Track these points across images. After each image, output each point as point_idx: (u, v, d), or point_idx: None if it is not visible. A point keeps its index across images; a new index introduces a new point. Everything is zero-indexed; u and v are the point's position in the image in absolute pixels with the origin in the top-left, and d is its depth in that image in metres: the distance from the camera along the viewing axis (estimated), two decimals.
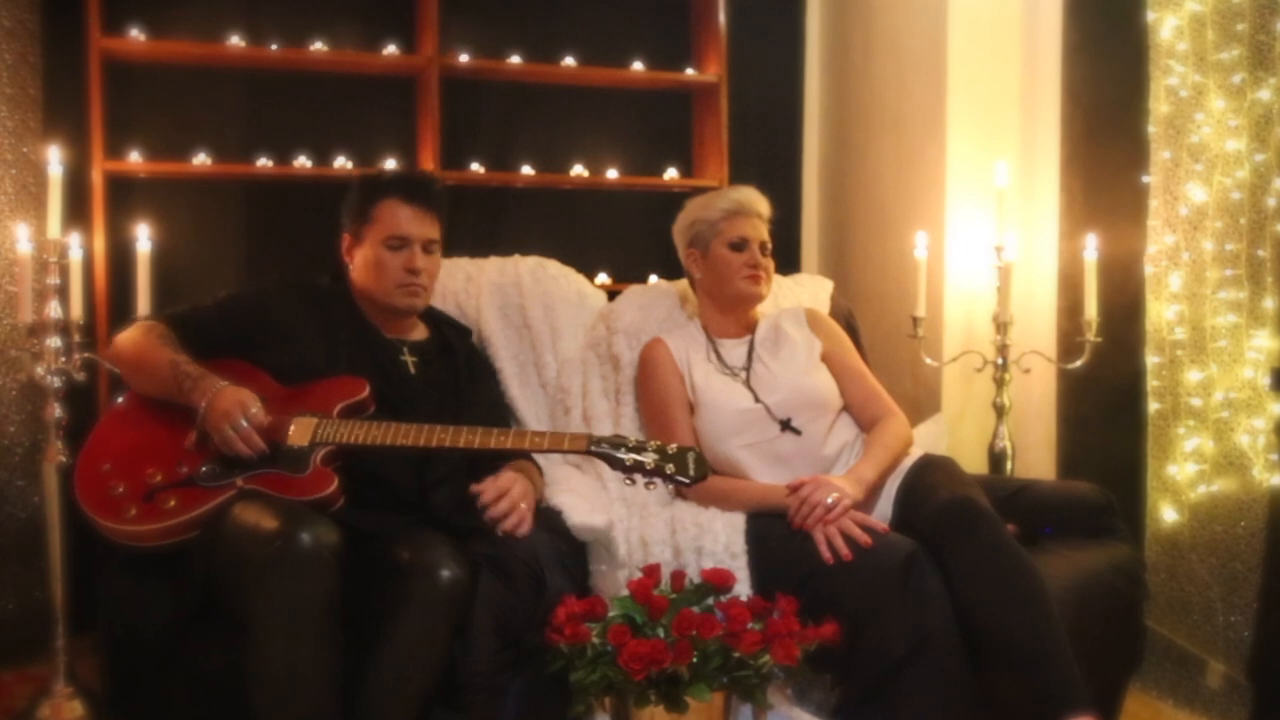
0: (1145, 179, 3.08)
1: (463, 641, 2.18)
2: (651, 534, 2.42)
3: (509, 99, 3.98)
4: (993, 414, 3.38)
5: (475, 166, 3.87)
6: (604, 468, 2.50)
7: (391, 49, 3.72)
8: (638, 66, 3.97)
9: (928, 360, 3.46)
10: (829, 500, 2.37)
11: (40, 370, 2.74)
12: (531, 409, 2.88)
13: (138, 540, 2.21)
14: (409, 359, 2.56)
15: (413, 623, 2.12)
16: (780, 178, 4.22)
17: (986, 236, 3.44)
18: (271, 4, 3.70)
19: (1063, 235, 3.52)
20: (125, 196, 3.51)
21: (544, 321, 2.96)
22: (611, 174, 3.99)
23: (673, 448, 2.27)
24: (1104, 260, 3.22)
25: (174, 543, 2.21)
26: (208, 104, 3.69)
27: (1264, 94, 2.79)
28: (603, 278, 3.85)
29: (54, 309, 2.73)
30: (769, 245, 2.80)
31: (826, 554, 2.31)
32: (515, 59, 3.86)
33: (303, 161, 3.66)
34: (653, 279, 3.70)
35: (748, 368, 2.74)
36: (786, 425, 2.62)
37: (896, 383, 3.57)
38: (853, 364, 2.78)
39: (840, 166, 4.24)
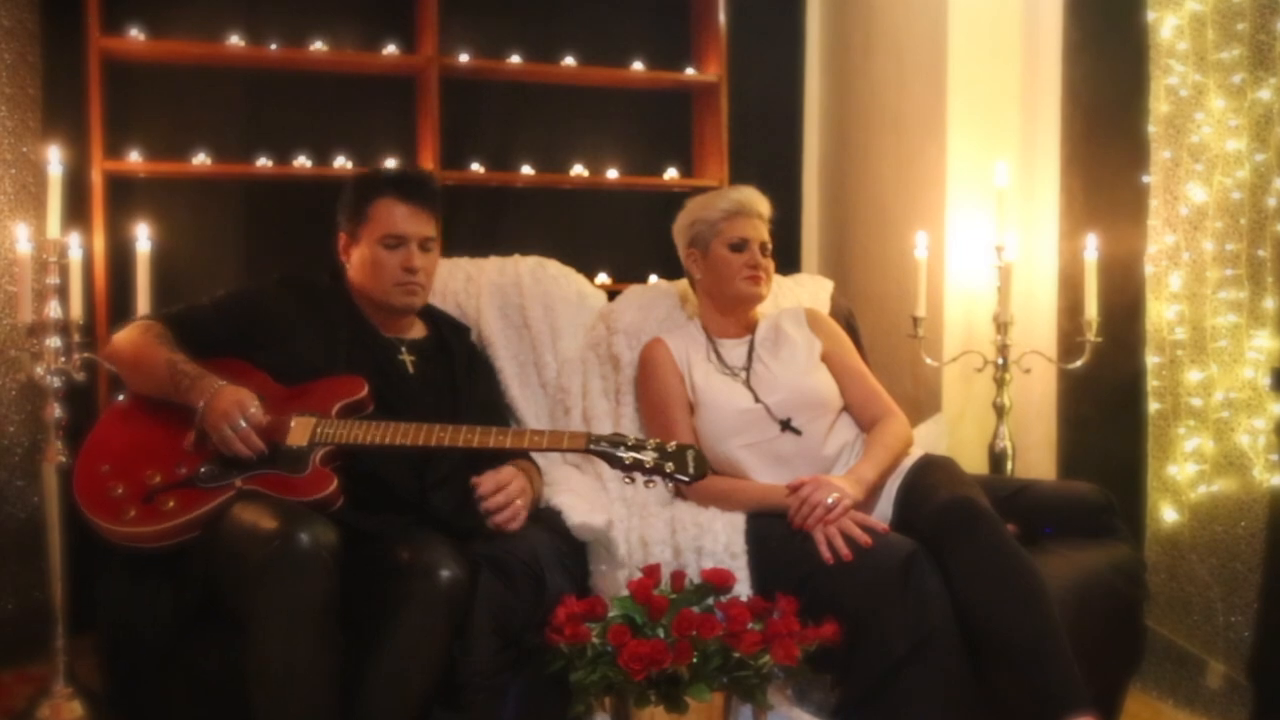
0: (1145, 179, 3.08)
1: (463, 641, 2.18)
2: (651, 534, 2.42)
3: (509, 99, 3.98)
4: (993, 414, 3.38)
5: (475, 166, 3.87)
6: (604, 468, 2.50)
7: (391, 49, 3.72)
8: (638, 66, 3.97)
9: (928, 360, 3.46)
10: (829, 500, 2.37)
11: (40, 370, 2.74)
12: (531, 409, 2.88)
13: (137, 542, 2.21)
14: (407, 358, 2.55)
15: (412, 623, 2.12)
16: (780, 178, 4.22)
17: (987, 236, 3.43)
18: (271, 4, 3.70)
19: (1063, 235, 3.52)
20: (125, 196, 3.51)
21: (544, 321, 2.96)
22: (611, 174, 3.99)
23: (672, 446, 2.27)
24: (1104, 260, 3.22)
25: (173, 544, 2.21)
26: (207, 104, 3.69)
27: (1264, 94, 2.78)
28: (603, 278, 3.85)
29: (54, 309, 2.73)
30: (769, 245, 2.80)
31: (826, 554, 2.31)
32: (515, 59, 3.86)
33: (302, 161, 3.66)
34: (653, 279, 3.69)
35: (748, 368, 2.74)
36: (786, 425, 2.62)
37: (896, 383, 3.57)
38: (853, 364, 2.77)
39: (840, 166, 4.24)
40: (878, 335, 3.71)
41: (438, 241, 2.58)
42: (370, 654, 2.11)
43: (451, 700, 2.18)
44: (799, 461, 2.60)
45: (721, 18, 3.97)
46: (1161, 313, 3.02)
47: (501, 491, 2.35)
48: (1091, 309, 3.22)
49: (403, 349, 2.56)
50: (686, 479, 2.24)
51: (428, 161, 3.68)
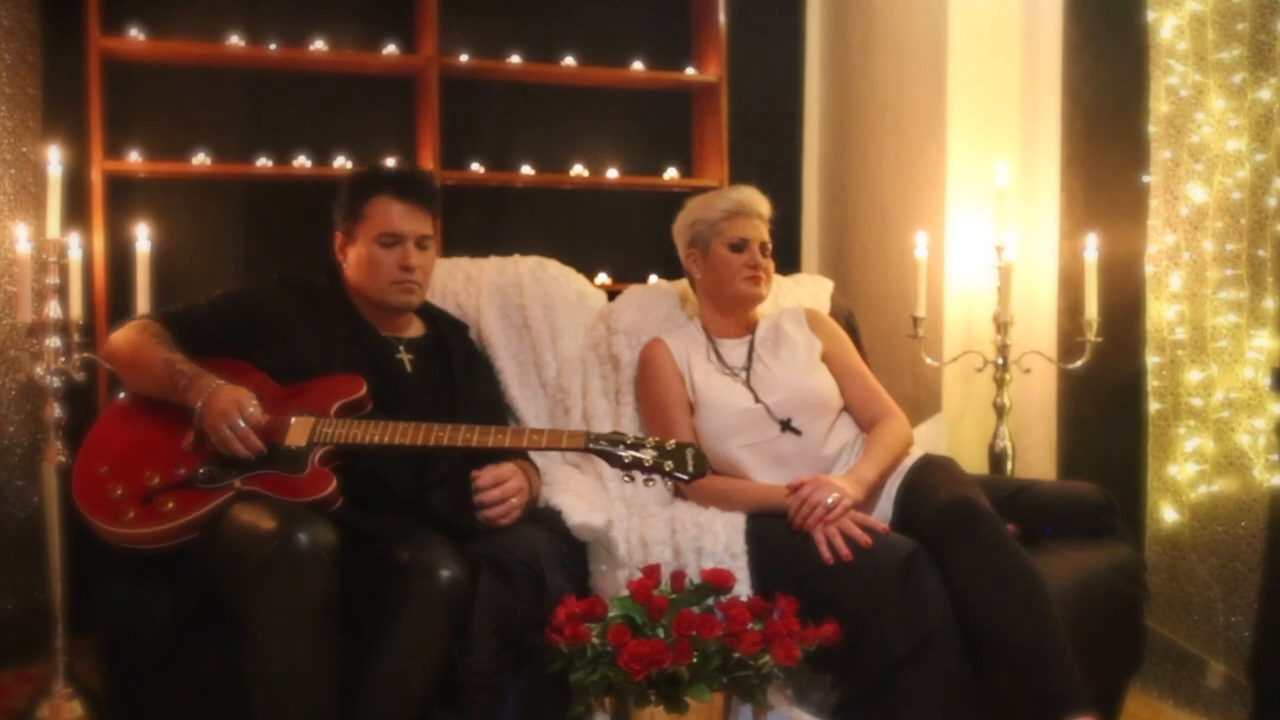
0: (1146, 179, 3.08)
1: (463, 641, 2.18)
2: (651, 534, 2.41)
3: (509, 99, 3.98)
4: (993, 414, 3.37)
5: (475, 166, 3.87)
6: (604, 467, 2.50)
7: (391, 49, 3.72)
8: (638, 66, 3.97)
9: (928, 360, 3.46)
10: (829, 500, 2.37)
11: (39, 370, 2.74)
12: (531, 409, 2.88)
13: (136, 543, 2.21)
14: (405, 356, 2.55)
15: (412, 623, 2.12)
16: (780, 178, 4.21)
17: (987, 236, 3.43)
18: (271, 4, 3.70)
19: (1063, 235, 3.52)
20: (125, 196, 3.51)
21: (544, 321, 2.96)
22: (611, 174, 3.99)
23: (671, 444, 2.27)
24: (1104, 260, 3.22)
25: (172, 545, 2.20)
26: (207, 104, 3.69)
27: (1264, 94, 2.78)
28: (603, 278, 3.85)
29: (53, 309, 2.73)
30: (769, 245, 2.80)
31: (826, 554, 2.31)
32: (515, 59, 3.86)
33: (302, 161, 3.66)
34: (653, 279, 3.69)
35: (748, 368, 2.74)
36: (787, 425, 2.62)
37: (897, 383, 3.57)
38: (853, 364, 2.77)
39: (840, 166, 4.24)
40: (878, 335, 3.71)
41: (435, 239, 2.58)
42: (370, 654, 2.11)
43: (451, 700, 2.18)
44: (799, 461, 2.60)
45: (721, 18, 3.97)
46: (1162, 313, 3.02)
47: (499, 487, 2.35)
48: (1092, 309, 3.22)
49: (400, 348, 2.55)
50: (686, 477, 2.23)
51: (428, 161, 3.68)
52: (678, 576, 2.24)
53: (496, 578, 2.23)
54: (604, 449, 2.25)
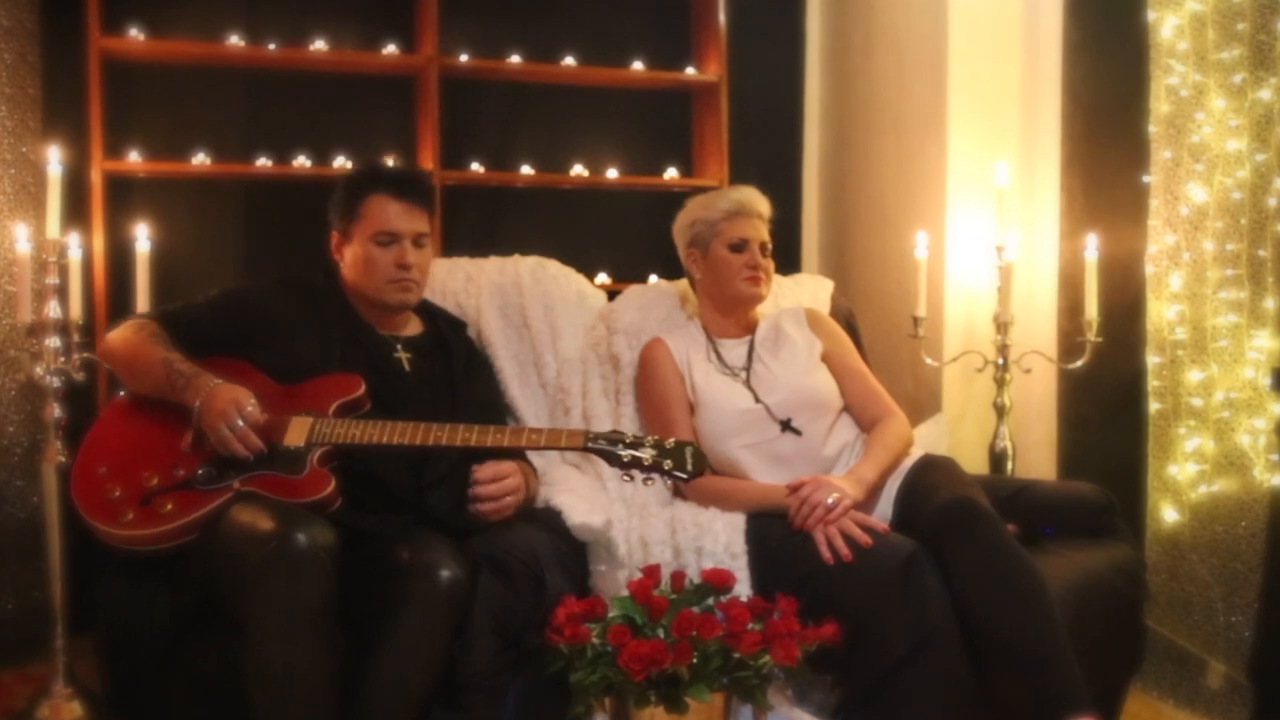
0: (1146, 179, 3.07)
1: (462, 641, 2.18)
2: (651, 534, 2.41)
3: (509, 99, 3.98)
4: (993, 414, 3.37)
5: (475, 166, 3.87)
6: (604, 467, 2.50)
7: (391, 49, 3.72)
8: (638, 66, 3.97)
9: (928, 360, 3.46)
10: (829, 500, 2.37)
11: (39, 370, 2.74)
12: (531, 409, 2.88)
13: (135, 544, 2.21)
14: (403, 355, 2.54)
15: (412, 623, 2.12)
16: (780, 178, 4.21)
17: (987, 236, 3.43)
18: (271, 4, 3.70)
19: (1063, 235, 3.52)
20: (124, 196, 3.51)
21: (544, 321, 2.96)
22: (611, 174, 3.99)
23: (670, 442, 2.27)
24: (1104, 260, 3.22)
25: (172, 546, 2.20)
26: (207, 104, 3.69)
27: (1265, 94, 2.78)
28: (603, 278, 3.85)
29: (53, 309, 2.73)
30: (769, 246, 2.79)
31: (827, 554, 2.31)
32: (515, 59, 3.86)
33: (302, 161, 3.66)
34: (653, 279, 3.69)
35: (748, 368, 2.73)
36: (787, 425, 2.62)
37: (897, 383, 3.57)
38: (853, 364, 2.77)
39: (840, 166, 4.24)
40: (878, 335, 3.71)
41: (431, 237, 2.57)
42: (370, 654, 2.11)
43: (451, 700, 2.18)
44: (799, 462, 2.60)
45: (721, 18, 3.97)
46: (1162, 313, 3.02)
47: (496, 483, 2.35)
48: (1092, 309, 3.21)
49: (398, 346, 2.55)
50: (685, 476, 2.23)
51: (427, 161, 3.68)
52: (678, 576, 2.24)
53: (496, 578, 2.23)
54: (603, 448, 2.25)
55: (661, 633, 2.12)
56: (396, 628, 2.11)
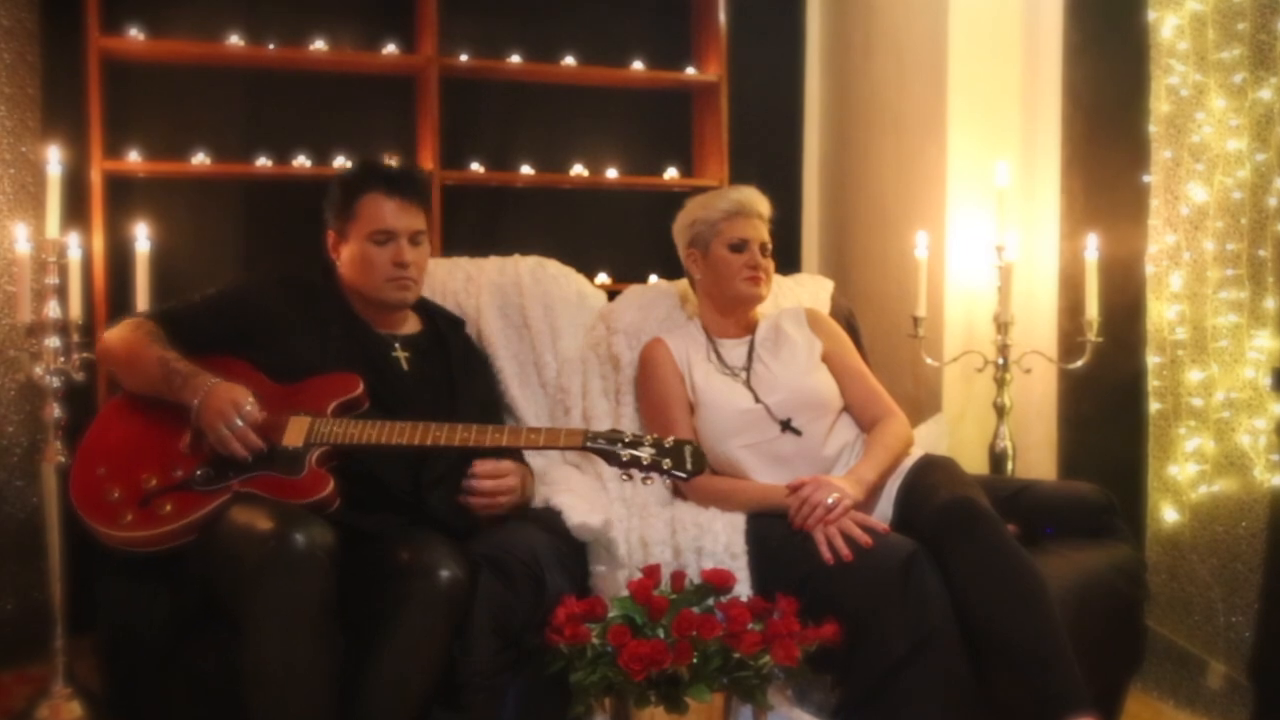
0: (1146, 178, 3.07)
1: (462, 641, 2.18)
2: (651, 534, 2.41)
3: (509, 99, 3.98)
4: (993, 414, 3.37)
5: (475, 166, 3.87)
6: (604, 467, 2.49)
7: (391, 49, 3.72)
8: (638, 66, 3.97)
9: (928, 360, 3.46)
10: (829, 500, 2.37)
11: (39, 370, 2.74)
12: (531, 409, 2.87)
13: (134, 546, 2.20)
14: (401, 354, 2.54)
15: (412, 623, 2.12)
16: (780, 178, 4.22)
17: (987, 236, 3.43)
18: (271, 3, 3.70)
19: (1063, 235, 3.52)
20: (124, 196, 3.50)
21: (544, 321, 2.96)
22: (611, 174, 3.99)
23: (669, 441, 2.26)
24: (1105, 260, 3.22)
25: (171, 547, 2.20)
26: (207, 104, 3.69)
27: (1265, 93, 2.78)
28: (603, 278, 3.85)
29: (53, 309, 2.73)
30: (769, 246, 2.79)
31: (827, 554, 2.31)
32: (515, 59, 3.86)
33: (302, 161, 3.66)
34: (653, 279, 3.69)
35: (748, 368, 2.73)
36: (787, 426, 2.62)
37: (897, 383, 3.57)
38: (853, 364, 2.77)
39: (840, 166, 4.24)
40: (878, 335, 3.71)
41: (428, 234, 2.57)
42: (370, 654, 2.11)
43: (451, 700, 2.18)
44: (799, 462, 2.59)
45: (721, 18, 3.97)
46: (1162, 313, 3.02)
47: (493, 480, 2.35)
48: (1092, 309, 3.21)
49: (396, 345, 2.54)
50: (684, 475, 2.23)
51: (427, 161, 3.68)
52: (678, 577, 2.24)
53: (496, 578, 2.23)
54: (601, 447, 2.25)
55: (661, 633, 2.12)
56: (396, 628, 2.11)
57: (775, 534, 2.40)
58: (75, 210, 3.17)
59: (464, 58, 3.77)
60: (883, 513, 2.53)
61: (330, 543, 2.05)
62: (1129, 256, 3.18)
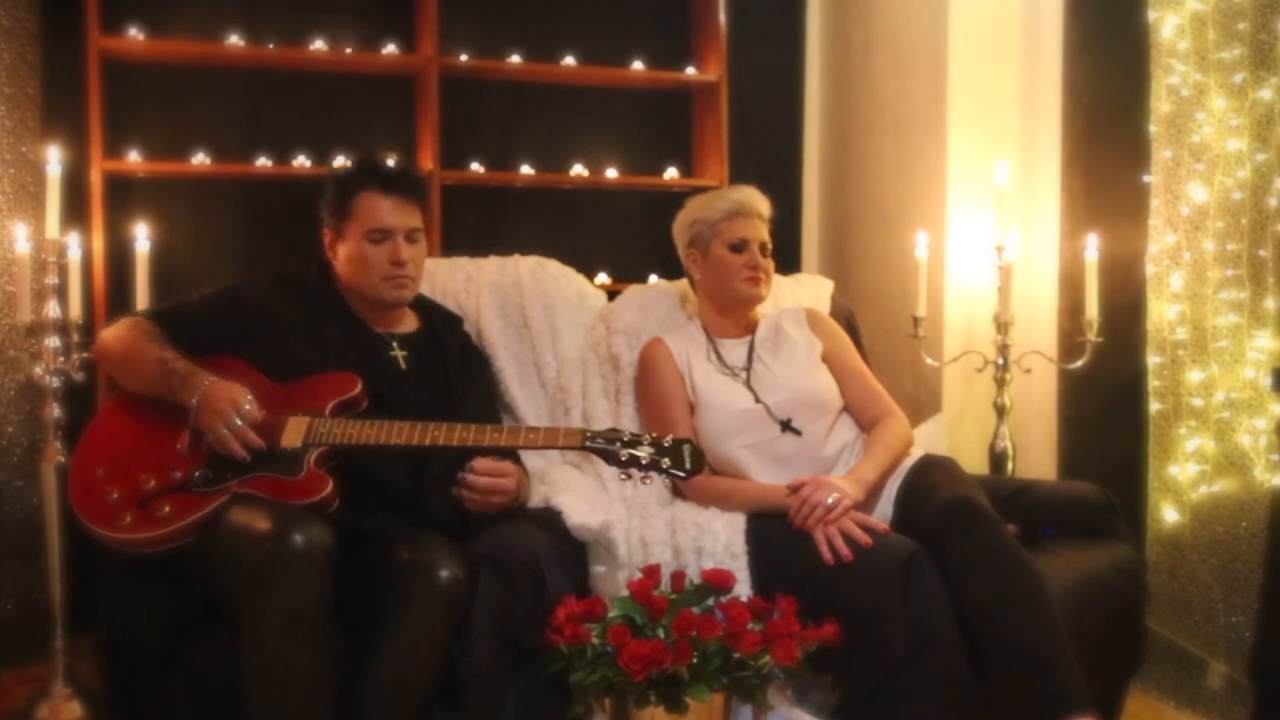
0: (1146, 178, 3.07)
1: (462, 641, 2.18)
2: (651, 534, 2.41)
3: (509, 99, 3.98)
4: (993, 414, 3.37)
5: (475, 166, 3.87)
6: (604, 467, 2.49)
7: (391, 49, 3.72)
8: (638, 66, 3.97)
9: (928, 360, 3.46)
10: (829, 500, 2.37)
11: (39, 370, 2.74)
12: (531, 409, 2.87)
13: (133, 547, 2.20)
14: (399, 353, 2.53)
15: (412, 623, 2.12)
16: (780, 178, 4.21)
17: (987, 236, 3.43)
18: (271, 3, 3.70)
19: (1064, 235, 3.52)
20: (124, 196, 3.50)
21: (544, 321, 2.96)
22: (611, 174, 3.99)
23: (668, 440, 2.26)
24: (1105, 260, 3.22)
25: (170, 548, 2.20)
26: (207, 103, 3.69)
27: (1265, 93, 2.78)
28: (603, 278, 3.85)
29: (52, 309, 2.73)
30: (769, 246, 2.79)
31: (827, 554, 2.31)
32: (515, 59, 3.86)
33: (302, 161, 3.66)
34: (653, 279, 3.69)
35: (748, 368, 2.73)
36: (787, 426, 2.62)
37: (897, 383, 3.57)
38: (853, 364, 2.77)
39: (840, 166, 4.24)
40: (878, 335, 3.71)
41: (424, 232, 2.56)
42: (370, 654, 2.11)
43: (451, 700, 2.18)
44: (799, 462, 2.59)
45: (721, 18, 3.97)
46: (1162, 313, 3.02)
47: (489, 478, 2.34)
48: (1092, 309, 3.21)
49: (394, 344, 2.54)
50: (683, 474, 2.23)
51: (427, 161, 3.68)
52: (678, 577, 2.24)
53: (496, 578, 2.23)
54: (600, 446, 2.24)
55: (661, 633, 2.12)
56: (396, 628, 2.11)
57: (775, 534, 2.39)
58: (75, 210, 3.17)
59: (464, 58, 3.77)
60: (883, 513, 2.53)
61: (328, 543, 2.04)
62: (1129, 256, 3.18)
